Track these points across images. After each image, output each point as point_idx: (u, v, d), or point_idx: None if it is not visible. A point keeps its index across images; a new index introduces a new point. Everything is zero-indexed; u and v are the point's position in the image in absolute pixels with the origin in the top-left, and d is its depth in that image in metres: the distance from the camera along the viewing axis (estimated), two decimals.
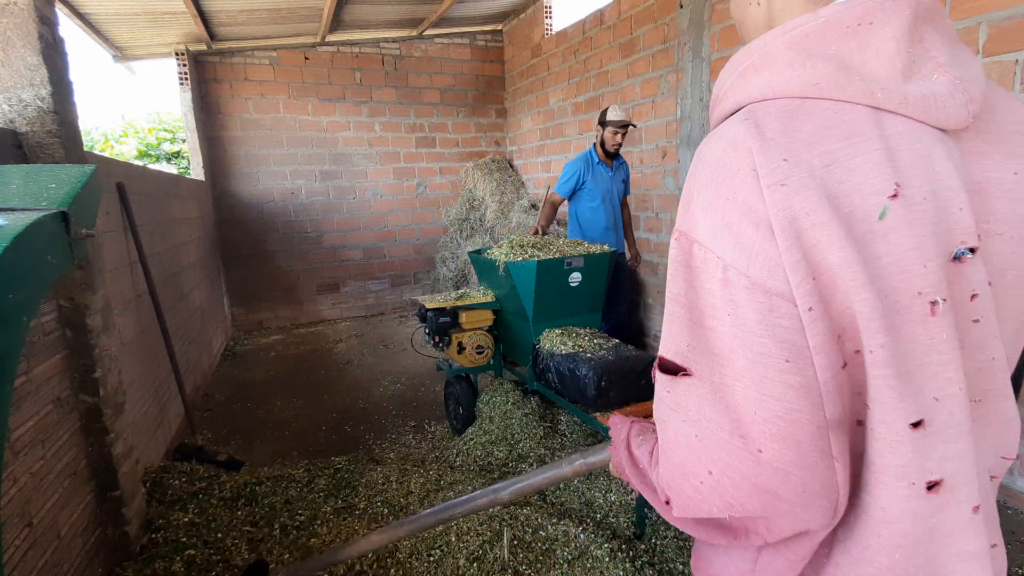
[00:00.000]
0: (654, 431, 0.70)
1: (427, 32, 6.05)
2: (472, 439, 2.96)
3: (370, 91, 6.12)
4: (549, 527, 2.10)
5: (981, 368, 0.54)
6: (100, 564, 1.91)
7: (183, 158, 8.56)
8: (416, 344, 4.06)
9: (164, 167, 8.41)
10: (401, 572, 1.94)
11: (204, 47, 5.21)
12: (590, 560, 1.95)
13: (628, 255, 4.01)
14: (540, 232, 3.50)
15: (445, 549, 2.03)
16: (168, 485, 2.42)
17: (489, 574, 1.90)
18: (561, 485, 2.51)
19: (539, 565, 1.94)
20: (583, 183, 3.72)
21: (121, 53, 5.07)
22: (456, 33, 6.34)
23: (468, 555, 1.97)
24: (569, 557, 1.97)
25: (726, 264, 0.50)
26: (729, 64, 0.60)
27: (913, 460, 0.49)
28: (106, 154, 6.67)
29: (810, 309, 0.48)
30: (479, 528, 2.10)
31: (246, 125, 5.67)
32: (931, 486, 0.49)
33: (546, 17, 5.77)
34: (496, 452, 2.80)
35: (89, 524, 1.87)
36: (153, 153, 8.66)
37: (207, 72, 5.44)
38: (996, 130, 0.55)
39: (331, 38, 5.71)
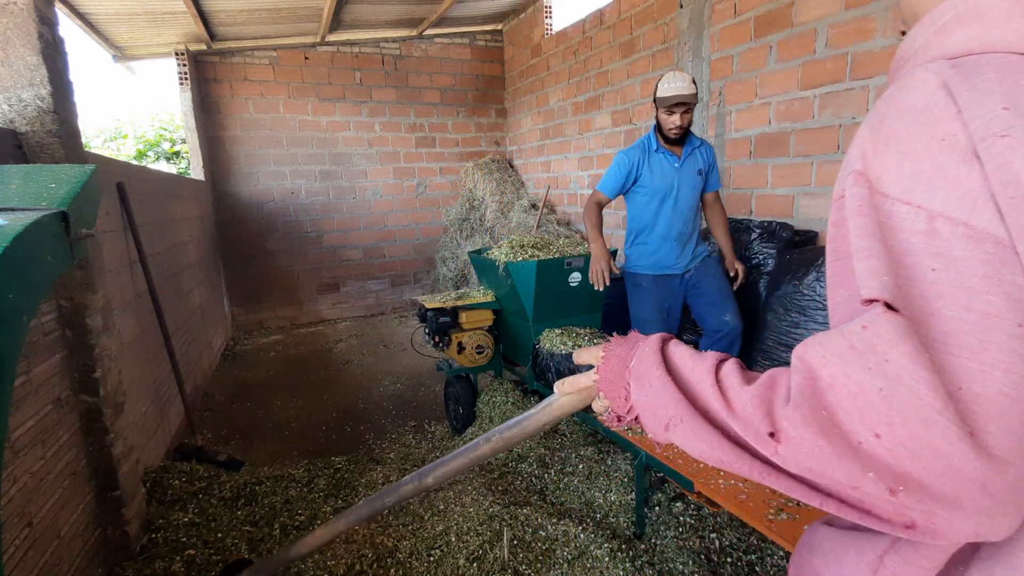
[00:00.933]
0: (700, 354, 0.57)
1: (427, 32, 6.05)
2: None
3: (370, 91, 6.12)
4: (549, 527, 2.10)
5: None
6: (100, 564, 1.91)
7: (183, 158, 8.56)
8: (416, 344, 4.06)
9: (164, 167, 8.41)
10: (401, 572, 1.94)
11: (204, 47, 5.21)
12: (590, 560, 1.95)
13: (732, 271, 2.89)
14: (591, 246, 2.76)
15: (445, 549, 2.02)
16: (168, 485, 2.42)
17: (489, 574, 1.90)
18: (561, 485, 2.51)
19: (539, 565, 1.94)
20: (637, 177, 2.79)
21: (121, 53, 5.07)
22: (456, 33, 6.34)
23: (468, 555, 1.97)
24: (569, 557, 1.97)
25: (933, 214, 0.43)
26: (922, 21, 0.53)
27: None
28: (105, 153, 6.67)
29: None
30: (479, 528, 2.10)
31: (246, 125, 5.67)
32: None
33: (546, 17, 5.77)
34: None
35: (89, 524, 1.87)
36: (153, 153, 8.66)
37: (207, 72, 5.44)
38: None
39: (331, 38, 5.71)
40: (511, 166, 6.74)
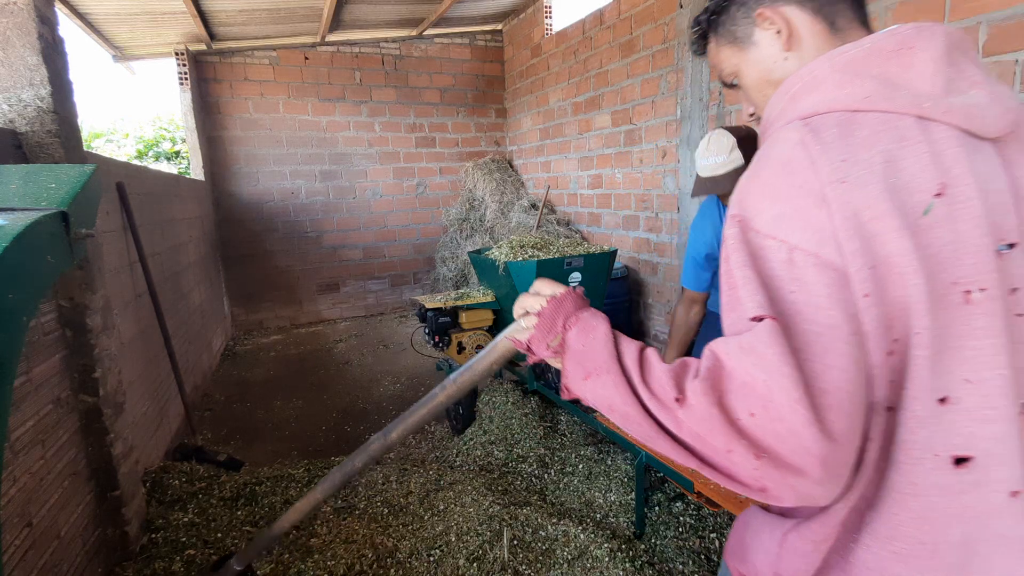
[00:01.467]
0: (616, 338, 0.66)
1: (427, 32, 6.05)
2: (472, 439, 2.96)
3: (370, 91, 6.12)
4: (549, 527, 2.10)
5: None
6: (100, 564, 1.91)
7: (183, 158, 8.56)
8: (416, 344, 4.06)
9: (164, 167, 8.41)
10: (401, 572, 1.94)
11: (204, 47, 5.21)
12: (590, 560, 1.95)
13: None
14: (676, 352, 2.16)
15: (445, 549, 2.03)
16: (168, 485, 2.42)
17: (489, 574, 1.90)
18: (561, 485, 2.51)
19: (539, 565, 1.94)
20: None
21: (121, 53, 5.07)
22: (456, 33, 6.34)
23: (468, 555, 1.97)
24: (569, 557, 1.97)
25: (792, 246, 0.54)
26: (778, 91, 0.67)
27: (938, 433, 0.53)
28: (105, 153, 6.67)
29: (866, 295, 0.52)
30: (479, 528, 2.10)
31: (246, 125, 5.67)
32: (959, 461, 0.53)
33: (546, 17, 5.77)
34: (496, 452, 2.80)
35: (89, 524, 1.87)
36: (153, 153, 8.65)
37: (207, 72, 5.44)
38: None
39: (331, 38, 5.71)
40: (511, 166, 6.74)
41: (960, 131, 0.57)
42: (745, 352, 0.53)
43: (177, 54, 5.13)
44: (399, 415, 1.02)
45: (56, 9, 1.93)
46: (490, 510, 2.19)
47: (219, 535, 2.13)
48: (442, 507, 2.30)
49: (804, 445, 0.49)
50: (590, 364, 0.63)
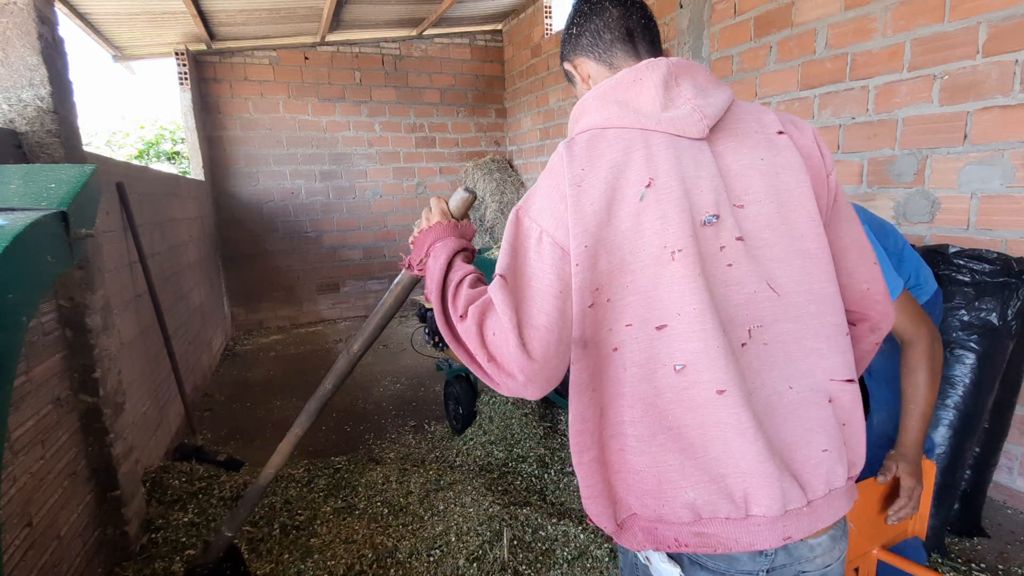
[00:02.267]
0: (461, 271, 0.90)
1: (427, 32, 6.05)
2: (472, 439, 2.95)
3: (370, 91, 6.12)
4: (549, 527, 2.10)
5: (747, 300, 0.77)
6: (100, 564, 1.91)
7: (183, 158, 8.55)
8: (416, 344, 4.06)
9: (164, 167, 8.41)
10: (401, 572, 1.94)
11: (204, 47, 5.21)
12: (590, 560, 1.95)
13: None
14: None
15: (445, 549, 2.02)
16: (168, 485, 2.42)
17: (489, 574, 1.90)
18: (561, 485, 2.51)
19: (539, 565, 1.94)
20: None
21: (121, 53, 5.07)
22: (456, 33, 6.34)
23: (468, 555, 1.97)
24: (569, 557, 1.97)
25: (542, 230, 0.76)
26: (572, 114, 0.89)
27: (662, 349, 0.75)
28: (106, 153, 6.66)
29: (577, 265, 0.74)
30: (479, 528, 2.09)
31: (246, 125, 5.67)
32: (677, 369, 0.74)
33: (546, 17, 5.77)
34: (496, 452, 2.80)
35: (89, 524, 1.87)
36: (153, 153, 8.65)
37: (207, 72, 5.44)
38: (743, 133, 0.82)
39: (331, 38, 5.71)
40: (511, 166, 6.74)
41: (672, 136, 0.78)
42: (495, 291, 0.77)
43: (177, 54, 5.13)
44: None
45: (56, 9, 1.93)
46: (490, 510, 2.19)
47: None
48: (442, 507, 2.30)
49: (513, 357, 0.73)
50: (431, 284, 0.88)
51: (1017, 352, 2.04)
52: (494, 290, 0.77)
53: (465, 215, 1.06)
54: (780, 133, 0.84)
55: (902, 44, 2.58)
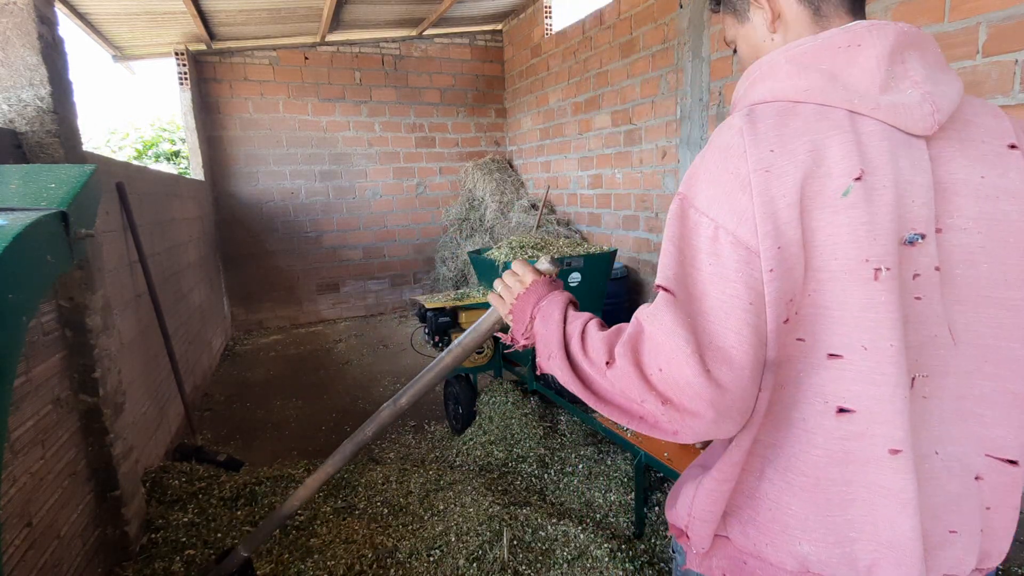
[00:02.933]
0: (574, 318, 0.78)
1: (427, 32, 6.05)
2: (472, 439, 2.96)
3: (370, 91, 6.12)
4: (549, 527, 2.10)
5: (924, 343, 0.64)
6: (100, 564, 1.91)
7: (183, 158, 8.55)
8: (416, 344, 4.05)
9: (164, 167, 8.41)
10: (401, 572, 1.94)
11: (204, 47, 5.21)
12: (590, 560, 1.95)
13: None
14: None
15: (445, 549, 2.03)
16: (168, 485, 2.42)
17: (489, 574, 1.90)
18: (561, 485, 2.51)
19: (539, 565, 1.94)
20: None
21: (121, 53, 5.07)
22: (456, 33, 6.34)
23: (468, 555, 1.97)
24: (569, 557, 1.97)
25: (718, 225, 0.62)
26: (744, 75, 0.74)
27: (827, 383, 0.62)
28: (107, 154, 6.66)
29: (771, 270, 0.60)
30: (479, 528, 2.09)
31: (246, 125, 5.67)
32: (841, 411, 0.62)
33: (546, 17, 5.77)
34: (496, 452, 2.80)
35: (89, 524, 1.87)
36: (153, 153, 8.65)
37: (207, 72, 5.44)
38: (967, 139, 0.65)
39: (331, 38, 5.71)
40: (511, 166, 6.74)
41: (888, 127, 0.62)
42: (653, 317, 0.63)
43: (177, 54, 5.12)
44: (399, 416, 1.04)
45: (56, 9, 1.93)
46: (490, 510, 2.19)
47: (219, 535, 2.13)
48: (442, 507, 2.30)
49: (696, 392, 0.59)
50: (550, 348, 0.75)
51: None
52: (656, 311, 0.63)
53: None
54: (1012, 147, 0.66)
55: None
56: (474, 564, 1.93)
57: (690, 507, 0.74)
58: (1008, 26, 2.21)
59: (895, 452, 0.61)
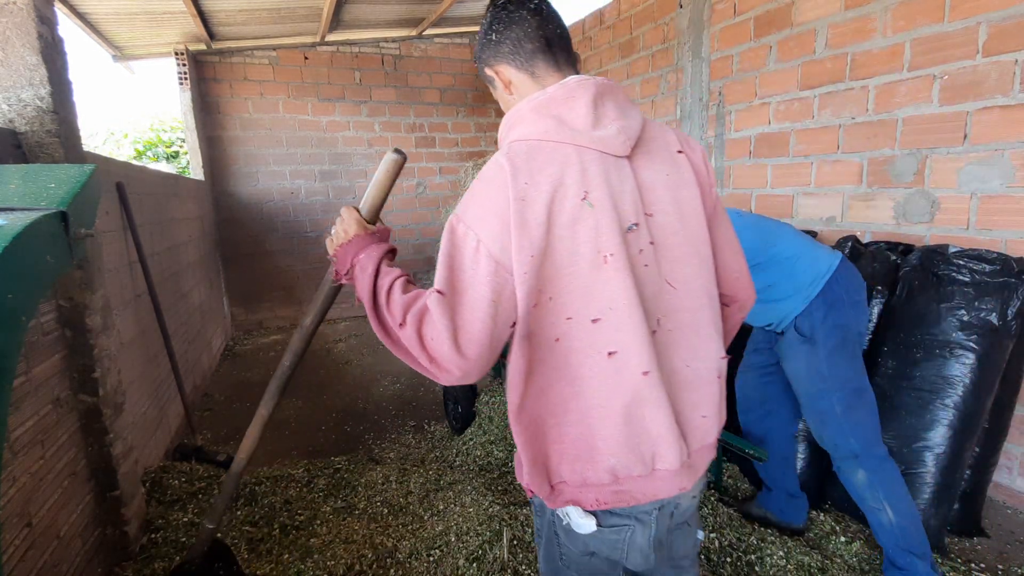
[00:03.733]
0: (387, 275, 0.97)
1: (427, 32, 6.04)
2: (472, 439, 2.95)
3: (370, 91, 6.11)
4: None
5: (656, 294, 0.91)
6: (99, 564, 1.91)
7: (183, 156, 8.54)
8: None
9: (164, 167, 8.40)
10: (401, 572, 1.94)
11: (204, 47, 5.21)
12: None
13: None
14: None
15: (445, 549, 2.02)
16: (168, 485, 2.42)
17: (489, 574, 1.89)
18: None
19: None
20: None
21: (120, 53, 5.07)
22: (456, 33, 6.34)
23: (468, 555, 1.97)
24: None
25: (480, 240, 0.84)
26: (503, 121, 0.97)
27: (598, 338, 0.86)
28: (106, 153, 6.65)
29: (524, 273, 0.83)
30: (479, 528, 2.09)
31: (245, 125, 5.67)
32: (610, 354, 0.87)
33: None
34: (496, 452, 2.80)
35: (88, 524, 1.87)
36: (153, 153, 8.65)
37: (207, 72, 5.43)
38: (653, 151, 0.95)
39: (331, 38, 5.71)
40: None
41: (600, 153, 0.88)
42: (433, 305, 0.85)
43: (177, 54, 5.12)
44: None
45: (56, 9, 1.93)
46: (490, 510, 2.19)
47: (219, 535, 2.13)
48: (442, 507, 2.30)
49: (450, 359, 0.84)
50: (363, 295, 0.96)
51: (1017, 352, 2.04)
52: (432, 302, 0.85)
53: (383, 202, 1.19)
54: (680, 152, 0.98)
55: (902, 44, 2.59)
56: (474, 564, 1.93)
57: (530, 470, 0.94)
58: (1008, 26, 2.21)
59: (645, 373, 0.87)
